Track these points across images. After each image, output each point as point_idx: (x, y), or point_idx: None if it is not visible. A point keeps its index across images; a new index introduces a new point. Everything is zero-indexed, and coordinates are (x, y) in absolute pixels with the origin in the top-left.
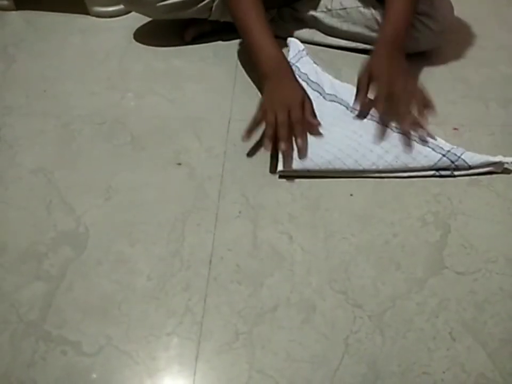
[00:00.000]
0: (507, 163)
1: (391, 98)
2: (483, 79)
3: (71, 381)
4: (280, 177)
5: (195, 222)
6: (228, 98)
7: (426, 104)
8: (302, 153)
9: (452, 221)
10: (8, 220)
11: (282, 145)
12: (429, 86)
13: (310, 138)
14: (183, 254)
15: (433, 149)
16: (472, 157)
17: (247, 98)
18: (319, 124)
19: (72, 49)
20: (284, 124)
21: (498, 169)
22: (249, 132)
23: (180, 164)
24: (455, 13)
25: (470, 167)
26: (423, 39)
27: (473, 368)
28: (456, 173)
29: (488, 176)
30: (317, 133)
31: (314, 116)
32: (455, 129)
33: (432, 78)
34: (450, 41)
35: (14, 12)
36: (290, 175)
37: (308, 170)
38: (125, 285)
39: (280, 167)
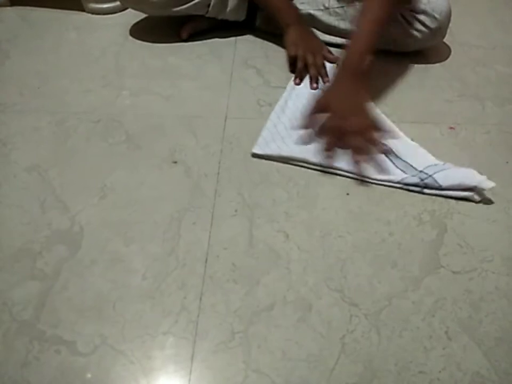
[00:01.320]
0: (484, 190)
1: (341, 132)
2: (479, 78)
3: (66, 381)
4: (254, 156)
5: (191, 220)
6: (224, 96)
7: (375, 139)
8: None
9: (448, 220)
10: (2, 218)
11: (314, 85)
12: (426, 85)
13: (290, 131)
14: (178, 252)
15: (402, 171)
16: (445, 177)
17: (243, 96)
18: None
19: (67, 46)
20: (314, 65)
21: (478, 196)
22: (292, 65)
23: (175, 162)
24: (452, 12)
25: (441, 188)
26: (421, 37)
27: (469, 367)
28: (426, 190)
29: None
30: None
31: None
32: (451, 128)
33: (428, 77)
34: (447, 41)
35: (8, 8)
36: (263, 158)
37: (281, 157)
38: (120, 284)
39: (256, 149)
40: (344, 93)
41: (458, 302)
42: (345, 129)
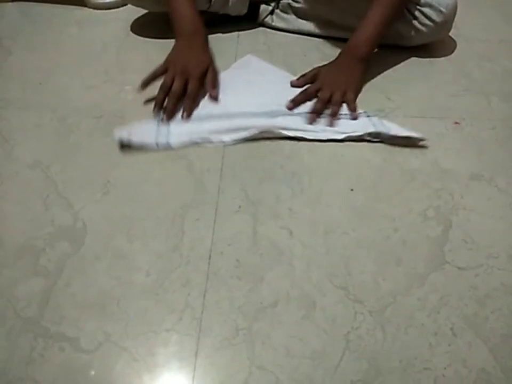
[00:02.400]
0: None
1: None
2: (485, 73)
3: (70, 378)
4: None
5: (194, 216)
6: None
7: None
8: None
9: (453, 216)
10: (5, 214)
11: (165, 116)
12: (431, 79)
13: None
14: (182, 249)
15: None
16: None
17: None
18: (216, 99)
19: (69, 41)
20: (175, 94)
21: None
22: (146, 83)
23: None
24: (457, 5)
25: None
26: (426, 30)
27: (475, 364)
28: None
29: (490, 171)
30: (210, 105)
31: (214, 88)
32: (456, 123)
33: (434, 71)
34: (452, 34)
35: (9, 4)
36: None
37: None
38: (123, 280)
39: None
40: (336, 70)
41: (464, 299)
42: (324, 99)
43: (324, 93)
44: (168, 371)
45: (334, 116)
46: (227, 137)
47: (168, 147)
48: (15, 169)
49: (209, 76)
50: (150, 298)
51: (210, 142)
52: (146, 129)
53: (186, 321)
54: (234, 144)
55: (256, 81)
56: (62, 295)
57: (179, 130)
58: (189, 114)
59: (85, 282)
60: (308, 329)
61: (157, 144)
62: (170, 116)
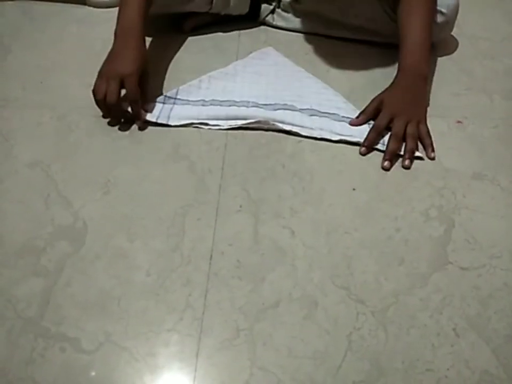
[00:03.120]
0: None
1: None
2: (487, 72)
3: (70, 378)
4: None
5: (195, 216)
6: None
7: (427, 146)
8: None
9: (455, 215)
10: (5, 214)
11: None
12: (432, 78)
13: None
14: (183, 249)
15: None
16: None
17: None
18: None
19: (69, 39)
20: (110, 101)
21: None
22: (101, 107)
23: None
24: (459, 4)
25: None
26: None
27: (478, 365)
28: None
29: (493, 170)
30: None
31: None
32: (458, 121)
33: (436, 70)
34: (454, 33)
35: (9, 2)
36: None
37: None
38: (124, 280)
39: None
40: (401, 95)
41: (467, 299)
42: (407, 134)
43: (397, 126)
44: (169, 371)
45: (411, 153)
46: (224, 123)
47: (166, 125)
48: (15, 168)
49: (142, 84)
50: (150, 298)
51: (207, 125)
52: (150, 108)
53: (187, 322)
54: (230, 130)
55: (266, 74)
56: (62, 295)
57: (180, 113)
58: (139, 119)
59: (85, 282)
60: (310, 330)
61: (157, 119)
62: (115, 120)
